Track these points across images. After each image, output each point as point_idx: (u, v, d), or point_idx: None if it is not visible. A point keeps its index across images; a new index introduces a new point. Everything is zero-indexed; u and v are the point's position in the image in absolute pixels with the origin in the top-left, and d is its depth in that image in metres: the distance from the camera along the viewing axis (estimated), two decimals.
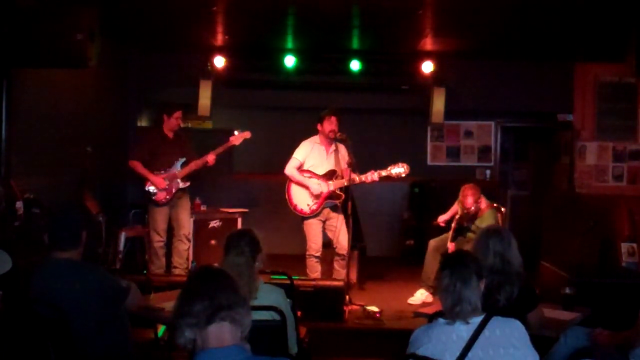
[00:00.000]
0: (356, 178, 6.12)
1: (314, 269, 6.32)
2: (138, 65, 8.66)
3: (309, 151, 6.32)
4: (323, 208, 6.28)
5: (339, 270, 6.32)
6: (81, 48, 5.13)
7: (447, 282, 2.71)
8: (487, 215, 6.39)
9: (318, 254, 6.32)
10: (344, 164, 6.26)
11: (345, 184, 6.18)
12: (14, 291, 3.56)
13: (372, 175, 6.12)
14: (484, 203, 6.48)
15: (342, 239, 6.24)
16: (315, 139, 6.37)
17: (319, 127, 6.28)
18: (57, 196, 6.01)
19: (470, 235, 6.41)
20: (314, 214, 6.27)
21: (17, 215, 5.04)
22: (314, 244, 6.30)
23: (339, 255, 6.31)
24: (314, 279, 6.10)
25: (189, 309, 2.11)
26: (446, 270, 2.75)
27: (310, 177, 6.28)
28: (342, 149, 6.31)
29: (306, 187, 6.25)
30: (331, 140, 6.29)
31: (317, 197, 6.22)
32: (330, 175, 6.29)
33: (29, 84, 5.92)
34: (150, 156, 6.43)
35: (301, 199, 6.27)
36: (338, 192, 6.25)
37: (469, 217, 6.49)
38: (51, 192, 5.85)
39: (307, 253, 6.32)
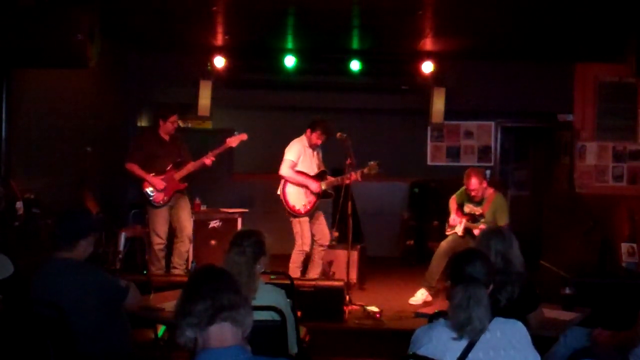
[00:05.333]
0: (339, 179, 6.54)
1: (300, 264, 6.56)
2: (138, 65, 8.65)
3: (302, 152, 6.54)
4: (315, 207, 6.54)
5: (317, 261, 6.63)
6: (81, 48, 5.11)
7: (459, 298, 2.59)
8: (498, 199, 6.38)
9: (308, 250, 6.58)
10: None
11: (335, 183, 6.56)
12: (14, 291, 3.56)
13: (357, 176, 6.49)
14: (489, 189, 6.46)
15: (325, 231, 6.67)
16: (304, 141, 6.60)
17: (308, 132, 6.54)
18: (57, 196, 6.00)
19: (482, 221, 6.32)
20: (307, 213, 6.51)
21: (17, 215, 5.03)
22: (307, 239, 6.54)
23: (321, 246, 6.64)
24: (314, 279, 6.19)
25: (190, 309, 2.11)
26: (460, 286, 2.64)
27: (306, 178, 6.52)
28: (320, 152, 6.68)
29: (305, 187, 6.48)
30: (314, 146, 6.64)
31: (314, 196, 6.49)
32: (321, 175, 6.60)
33: (29, 84, 5.91)
34: (146, 159, 6.40)
35: (298, 199, 6.51)
36: (330, 191, 6.62)
37: (475, 208, 6.43)
38: (51, 192, 5.85)
39: (299, 249, 6.54)
